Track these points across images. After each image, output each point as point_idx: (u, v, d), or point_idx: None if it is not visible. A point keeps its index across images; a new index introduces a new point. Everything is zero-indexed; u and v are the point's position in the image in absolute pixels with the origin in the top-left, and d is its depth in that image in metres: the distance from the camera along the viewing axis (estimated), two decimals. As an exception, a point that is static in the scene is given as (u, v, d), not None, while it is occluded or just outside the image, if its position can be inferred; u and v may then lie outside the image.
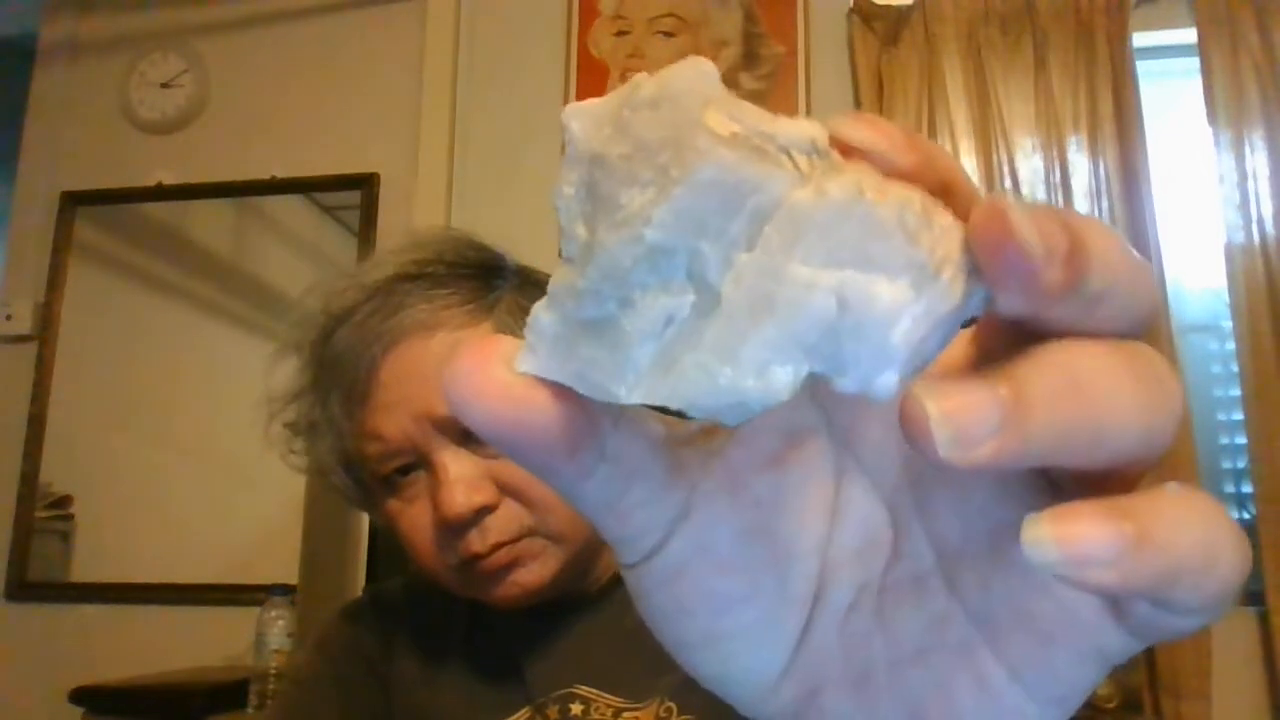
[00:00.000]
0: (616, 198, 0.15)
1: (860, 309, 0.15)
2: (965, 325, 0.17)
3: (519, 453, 0.17)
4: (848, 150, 0.16)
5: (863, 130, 0.16)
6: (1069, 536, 0.15)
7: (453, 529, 0.60)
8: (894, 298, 0.15)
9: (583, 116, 0.16)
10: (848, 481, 0.22)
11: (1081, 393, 0.15)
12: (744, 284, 0.15)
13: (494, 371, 0.17)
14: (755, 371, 0.15)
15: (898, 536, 0.21)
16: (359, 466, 0.65)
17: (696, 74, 0.16)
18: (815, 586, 0.21)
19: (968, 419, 0.15)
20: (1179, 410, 0.16)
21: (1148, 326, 0.17)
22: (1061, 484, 0.18)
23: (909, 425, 0.15)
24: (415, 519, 0.63)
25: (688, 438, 0.20)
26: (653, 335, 0.16)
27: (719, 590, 0.20)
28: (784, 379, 0.15)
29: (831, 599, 0.21)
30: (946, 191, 0.17)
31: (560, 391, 0.17)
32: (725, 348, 0.15)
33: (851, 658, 0.21)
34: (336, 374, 0.63)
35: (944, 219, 0.16)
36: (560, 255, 0.17)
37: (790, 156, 0.15)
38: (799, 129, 0.16)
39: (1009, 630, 0.19)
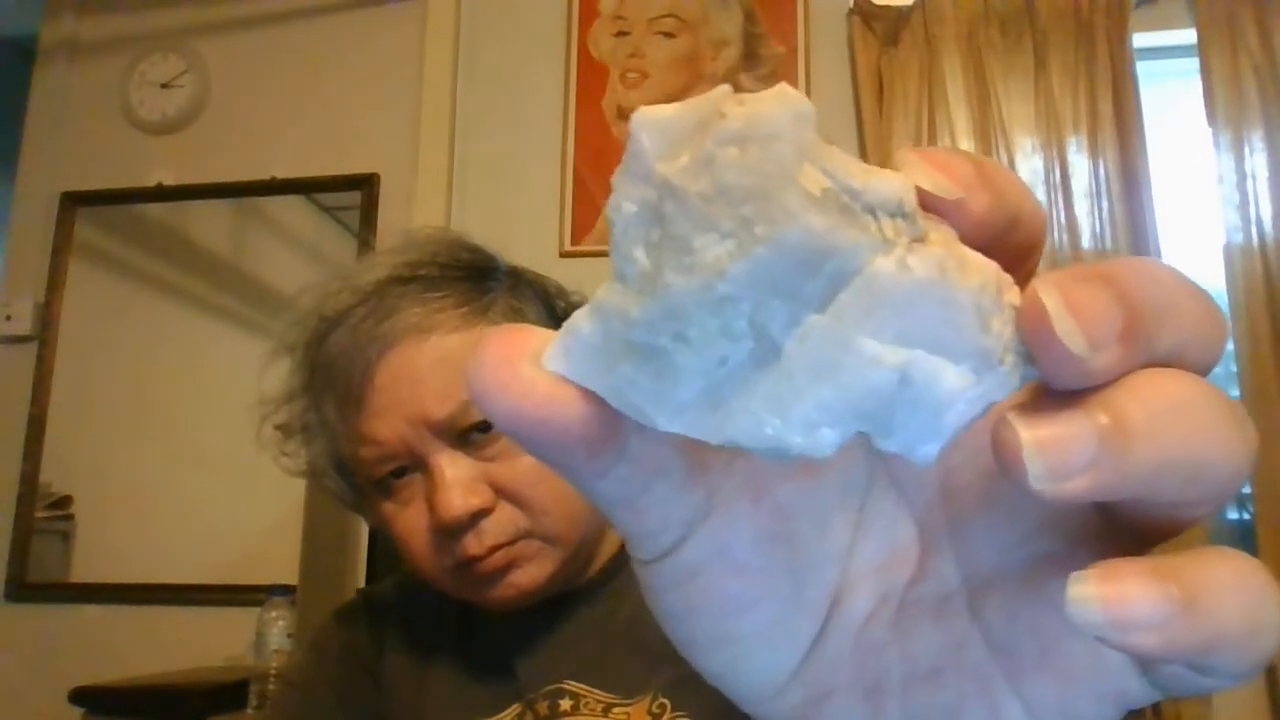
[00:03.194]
0: (690, 240, 0.15)
1: (921, 389, 0.15)
2: None
3: (538, 449, 0.17)
4: (924, 199, 0.16)
5: (936, 176, 0.16)
6: (1115, 597, 0.14)
7: (449, 532, 0.60)
8: (956, 384, 0.15)
9: (655, 130, 0.15)
10: (877, 493, 0.21)
11: (1184, 423, 0.15)
12: (809, 345, 0.15)
13: (520, 366, 0.16)
14: (804, 430, 0.15)
15: (925, 554, 0.21)
16: (353, 469, 0.65)
17: (792, 115, 0.15)
18: (833, 595, 0.21)
19: (1064, 450, 0.14)
20: (1255, 452, 0.16)
21: (1218, 361, 0.16)
22: (1116, 520, 0.18)
23: (1001, 451, 0.15)
24: (411, 521, 0.63)
25: None
26: (704, 374, 0.15)
27: (733, 593, 0.20)
28: (831, 439, 0.15)
29: (849, 608, 0.21)
30: (1016, 221, 0.17)
31: (585, 393, 0.17)
32: (778, 402, 0.15)
33: (865, 667, 0.20)
34: (330, 377, 0.63)
35: (1013, 298, 0.15)
36: (611, 273, 0.16)
37: (875, 217, 0.15)
38: (888, 188, 0.15)
39: (1030, 665, 0.18)
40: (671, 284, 0.15)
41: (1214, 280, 1.78)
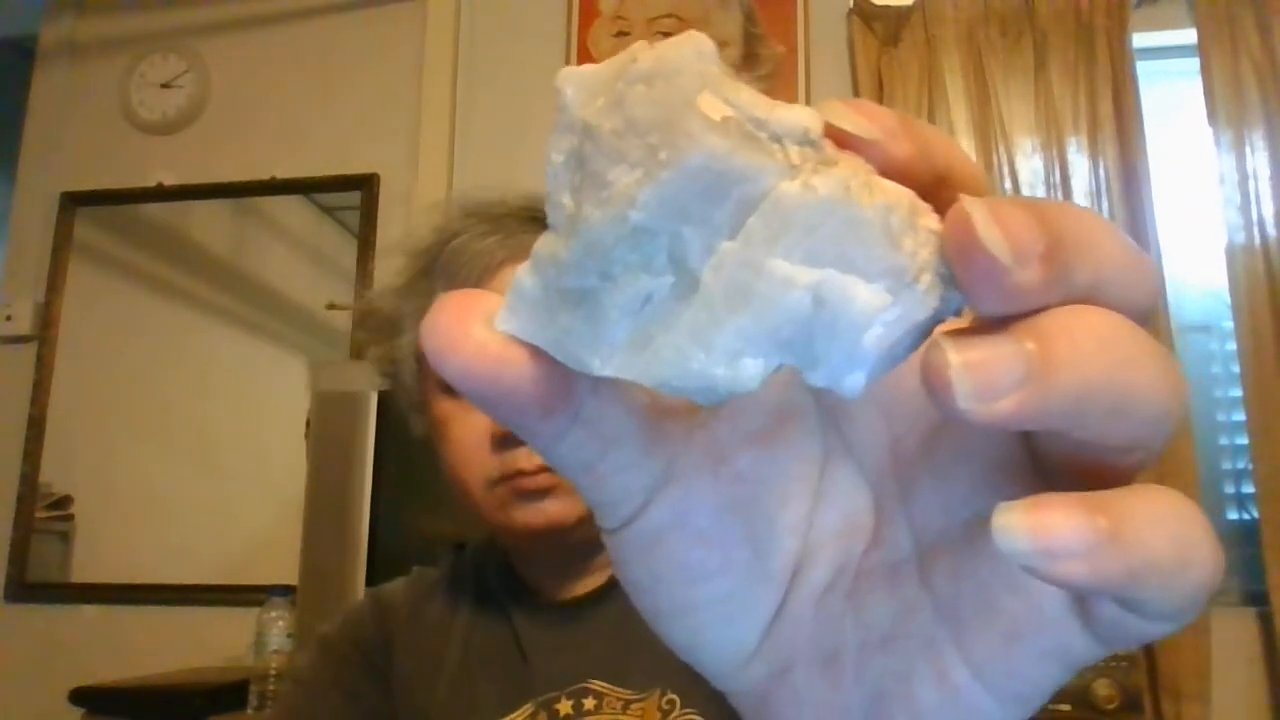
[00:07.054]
0: (604, 174, 0.15)
1: (835, 309, 0.15)
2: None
3: (492, 408, 0.18)
4: (843, 140, 0.16)
5: (856, 118, 0.16)
6: (1040, 526, 0.14)
7: (509, 439, 0.63)
8: (869, 301, 0.15)
9: (577, 82, 0.16)
10: (833, 463, 0.22)
11: (1108, 354, 0.15)
12: (723, 272, 0.15)
13: (472, 327, 0.17)
14: (727, 360, 0.15)
15: (880, 522, 0.21)
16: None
17: (694, 52, 0.15)
18: (793, 565, 0.21)
19: (991, 370, 0.15)
20: (1187, 402, 0.16)
21: (1148, 315, 0.16)
22: (1053, 475, 0.18)
23: (929, 374, 0.15)
24: (470, 424, 0.65)
25: (672, 408, 0.20)
26: (630, 312, 0.16)
27: (696, 562, 0.20)
28: (754, 369, 0.16)
29: (809, 579, 0.21)
30: (945, 181, 0.17)
31: (536, 352, 0.17)
32: (699, 333, 0.15)
33: (823, 638, 0.21)
34: (452, 269, 0.67)
35: (930, 222, 0.16)
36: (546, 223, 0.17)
37: (782, 145, 0.15)
38: (793, 117, 0.15)
39: (974, 626, 0.19)
40: (589, 218, 0.16)
41: (1216, 280, 1.78)
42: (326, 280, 2.07)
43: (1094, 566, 0.14)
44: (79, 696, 1.54)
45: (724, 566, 0.20)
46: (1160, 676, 1.62)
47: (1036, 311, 0.15)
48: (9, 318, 2.11)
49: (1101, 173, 1.79)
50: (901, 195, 0.15)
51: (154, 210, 2.16)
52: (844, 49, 1.96)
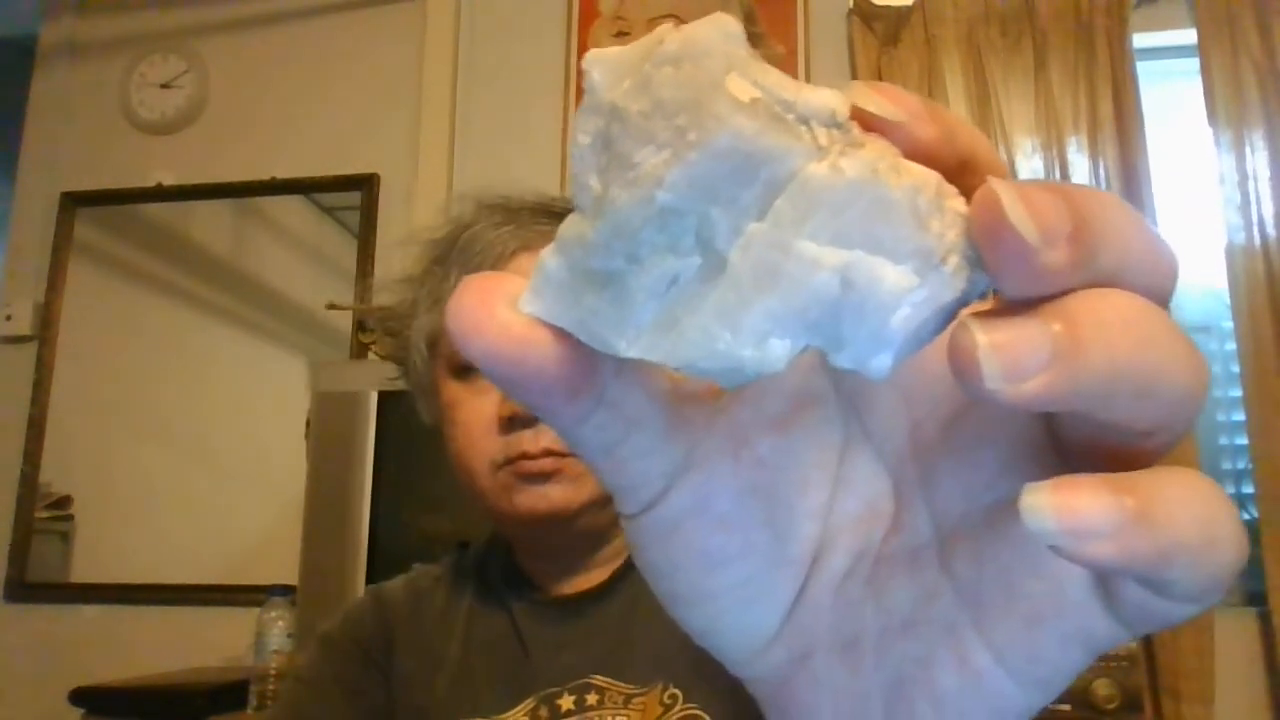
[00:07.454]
0: (631, 155, 0.15)
1: (863, 290, 0.15)
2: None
3: (517, 390, 0.18)
4: (868, 122, 0.16)
5: (882, 101, 0.16)
6: (1068, 506, 0.14)
7: (516, 421, 0.64)
8: (897, 283, 0.15)
9: (604, 65, 0.16)
10: (853, 448, 0.21)
11: (1134, 336, 0.15)
12: (751, 253, 0.15)
13: (496, 309, 0.17)
14: (754, 341, 0.15)
15: (899, 508, 0.21)
16: (441, 347, 0.69)
17: (721, 33, 0.15)
18: (813, 551, 0.21)
19: (1018, 351, 0.15)
20: (1209, 385, 0.16)
21: (1168, 301, 0.17)
22: (1076, 458, 0.18)
23: (956, 355, 0.15)
24: (478, 407, 0.66)
25: (693, 393, 0.20)
26: (656, 293, 0.16)
27: (715, 547, 0.20)
28: (781, 351, 0.16)
29: (829, 564, 0.21)
30: (968, 166, 0.17)
31: (560, 334, 0.17)
32: (727, 314, 0.15)
33: (843, 624, 0.21)
34: (466, 254, 0.68)
35: (957, 204, 0.16)
36: (573, 205, 0.17)
37: (809, 127, 0.15)
38: (820, 99, 0.15)
39: (996, 610, 0.19)
40: (617, 199, 0.16)
41: (1216, 280, 1.78)
42: (326, 280, 2.07)
43: (1121, 546, 0.14)
44: (79, 696, 1.54)
45: (743, 552, 0.20)
46: (1160, 677, 1.62)
47: (1062, 294, 0.15)
48: (9, 318, 2.11)
49: (1101, 173, 1.79)
50: (928, 177, 0.15)
51: (154, 210, 2.16)
52: (844, 49, 1.96)
